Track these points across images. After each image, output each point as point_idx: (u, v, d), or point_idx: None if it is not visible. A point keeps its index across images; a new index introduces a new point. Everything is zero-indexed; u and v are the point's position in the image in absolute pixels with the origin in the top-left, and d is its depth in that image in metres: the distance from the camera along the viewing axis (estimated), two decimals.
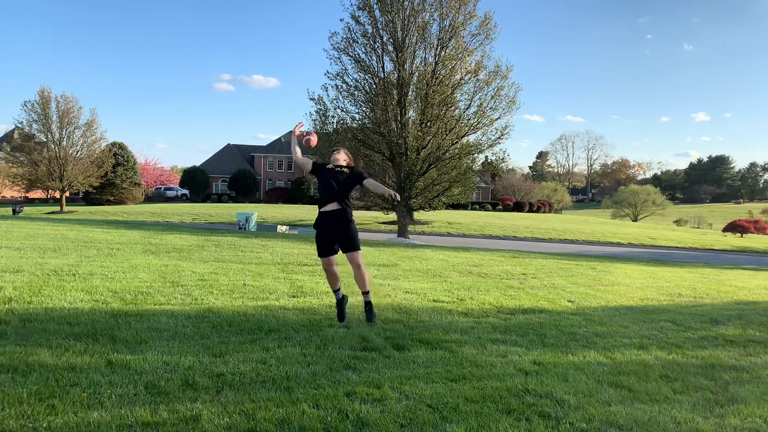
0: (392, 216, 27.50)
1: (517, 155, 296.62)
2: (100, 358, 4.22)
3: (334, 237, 5.46)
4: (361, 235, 5.83)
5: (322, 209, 5.48)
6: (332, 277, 5.60)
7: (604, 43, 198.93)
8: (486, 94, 24.79)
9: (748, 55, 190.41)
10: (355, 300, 6.44)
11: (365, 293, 5.63)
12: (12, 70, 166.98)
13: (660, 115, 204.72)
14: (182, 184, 61.94)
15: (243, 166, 62.72)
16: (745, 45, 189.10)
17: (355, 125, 25.88)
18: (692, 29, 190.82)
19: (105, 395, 3.50)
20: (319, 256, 5.55)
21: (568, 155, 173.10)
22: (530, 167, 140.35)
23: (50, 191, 48.72)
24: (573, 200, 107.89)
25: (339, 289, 5.66)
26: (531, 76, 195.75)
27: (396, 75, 24.96)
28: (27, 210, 39.67)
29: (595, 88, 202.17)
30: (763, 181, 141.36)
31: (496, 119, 24.88)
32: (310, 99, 25.54)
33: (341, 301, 5.65)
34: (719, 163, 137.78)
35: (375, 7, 24.44)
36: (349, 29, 25.10)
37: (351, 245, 5.42)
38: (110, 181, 46.01)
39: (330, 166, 5.55)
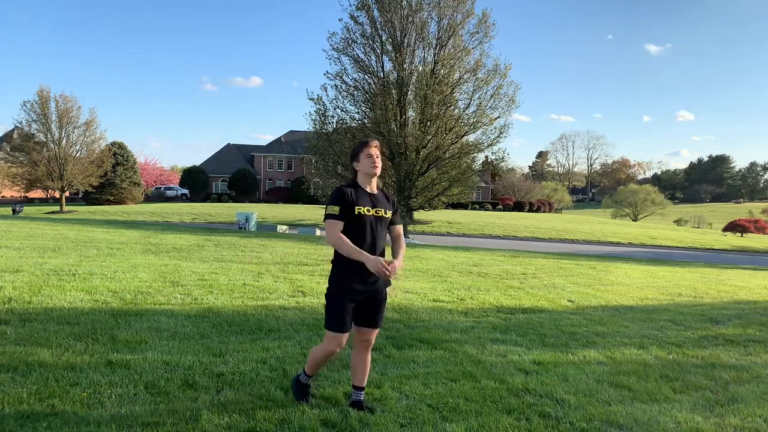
0: None
1: (516, 155, 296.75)
2: (100, 358, 4.21)
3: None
4: None
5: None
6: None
7: (590, 43, 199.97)
8: (485, 93, 24.82)
9: (736, 55, 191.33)
10: None
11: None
12: (11, 70, 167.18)
13: (651, 115, 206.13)
14: (182, 184, 61.86)
15: (243, 166, 62.66)
16: (734, 44, 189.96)
17: (354, 125, 25.87)
18: (679, 29, 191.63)
19: (105, 395, 3.50)
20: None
21: (568, 155, 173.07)
22: (530, 167, 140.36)
23: (50, 191, 48.69)
24: (573, 200, 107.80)
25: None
26: (517, 75, 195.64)
27: (395, 75, 24.95)
28: (27, 210, 39.64)
29: (582, 88, 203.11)
30: (763, 180, 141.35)
31: (495, 118, 24.88)
32: (310, 99, 25.55)
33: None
34: (719, 162, 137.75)
35: (373, 6, 24.44)
36: (347, 29, 25.12)
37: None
38: (110, 180, 45.96)
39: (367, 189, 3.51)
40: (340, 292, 3.33)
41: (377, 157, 3.41)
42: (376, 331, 3.52)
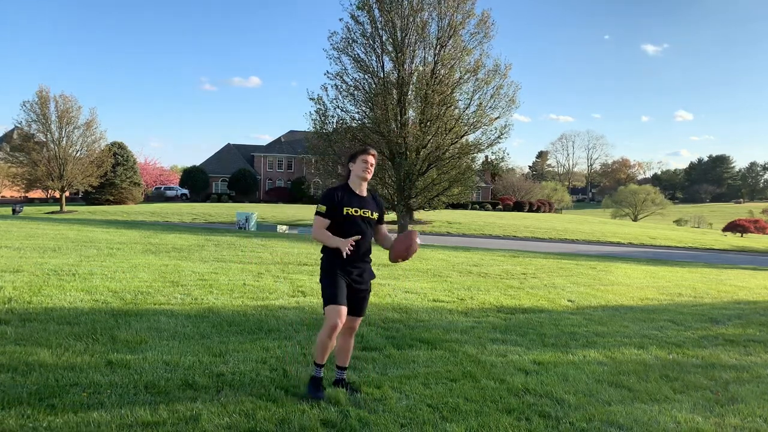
0: (392, 216, 27.49)
1: (516, 155, 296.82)
2: (100, 358, 4.21)
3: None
4: None
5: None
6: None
7: (589, 43, 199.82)
8: (485, 93, 24.79)
9: (736, 55, 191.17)
10: None
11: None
12: (11, 70, 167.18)
13: (650, 115, 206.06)
14: (182, 184, 61.83)
15: (243, 166, 62.63)
16: (733, 44, 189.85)
17: (354, 125, 25.85)
18: (678, 29, 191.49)
19: (105, 395, 3.50)
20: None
21: (568, 155, 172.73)
22: (530, 167, 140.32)
23: (50, 191, 48.66)
24: (573, 200, 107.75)
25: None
26: (517, 75, 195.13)
27: (395, 75, 24.95)
28: (27, 210, 39.63)
29: (582, 88, 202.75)
30: (763, 180, 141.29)
31: (495, 118, 24.86)
32: (310, 99, 25.53)
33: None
34: (719, 162, 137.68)
35: (374, 6, 24.42)
36: (348, 29, 25.10)
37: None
38: (110, 180, 45.91)
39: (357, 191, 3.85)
40: (332, 271, 3.69)
41: (371, 165, 3.81)
42: (360, 318, 3.93)
